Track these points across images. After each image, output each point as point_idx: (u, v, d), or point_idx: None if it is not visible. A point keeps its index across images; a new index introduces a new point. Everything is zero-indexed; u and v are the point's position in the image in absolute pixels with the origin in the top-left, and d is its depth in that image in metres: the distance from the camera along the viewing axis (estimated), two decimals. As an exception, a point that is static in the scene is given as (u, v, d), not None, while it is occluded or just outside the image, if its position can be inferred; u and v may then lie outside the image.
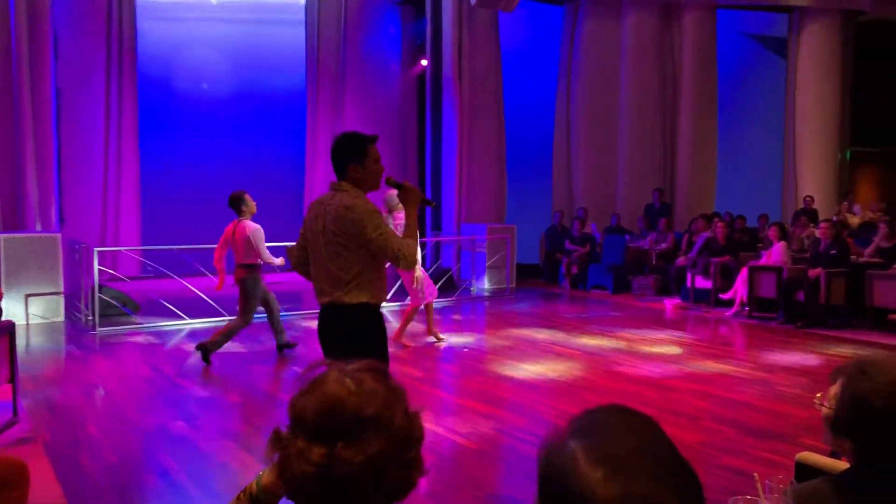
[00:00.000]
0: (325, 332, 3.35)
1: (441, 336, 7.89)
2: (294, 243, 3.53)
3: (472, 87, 12.60)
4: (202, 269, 9.29)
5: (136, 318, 8.97)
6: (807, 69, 13.77)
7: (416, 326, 8.09)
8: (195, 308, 8.92)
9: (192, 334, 8.26)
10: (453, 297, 10.96)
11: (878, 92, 15.23)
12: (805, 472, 2.07)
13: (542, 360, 7.09)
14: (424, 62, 13.26)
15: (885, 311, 8.52)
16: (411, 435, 1.17)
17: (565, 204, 13.60)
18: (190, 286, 9.12)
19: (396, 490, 1.16)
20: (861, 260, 9.56)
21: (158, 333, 8.38)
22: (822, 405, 1.71)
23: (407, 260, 3.21)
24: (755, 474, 1.57)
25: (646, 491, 0.80)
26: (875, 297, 8.69)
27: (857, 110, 14.78)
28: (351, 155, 3.28)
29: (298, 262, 3.50)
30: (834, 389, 1.69)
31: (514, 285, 12.06)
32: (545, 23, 14.31)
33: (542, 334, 8.39)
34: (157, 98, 12.25)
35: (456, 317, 9.91)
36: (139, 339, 8.15)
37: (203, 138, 12.81)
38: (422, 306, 7.59)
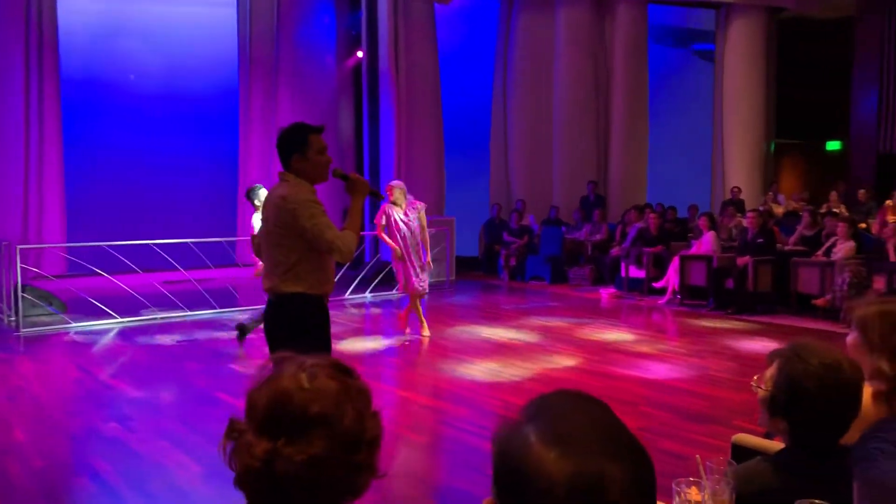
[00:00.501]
0: (267, 322, 3.40)
1: (406, 332, 7.89)
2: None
3: (409, 79, 12.53)
4: (132, 266, 9.00)
5: (63, 318, 8.63)
6: (733, 63, 14.19)
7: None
8: (125, 306, 8.63)
9: (123, 333, 7.99)
10: (393, 291, 10.91)
11: (800, 86, 15.81)
12: (741, 453, 2.13)
13: (483, 351, 7.13)
14: (360, 54, 13.13)
15: (808, 296, 8.86)
16: (361, 437, 1.13)
17: (503, 196, 13.70)
18: (120, 283, 8.82)
19: (343, 491, 1.11)
20: (786, 248, 9.92)
21: (87, 333, 8.08)
22: (758, 387, 1.76)
23: (342, 252, 3.20)
24: (697, 456, 1.60)
25: (599, 469, 0.80)
26: (799, 283, 9.05)
27: (780, 103, 15.32)
28: (293, 145, 3.27)
29: (257, 250, 3.74)
30: (770, 371, 1.74)
31: (453, 278, 12.09)
32: (482, 17, 14.36)
33: (482, 326, 8.44)
34: (82, 89, 11.78)
35: (396, 310, 9.87)
36: (66, 339, 7.85)
37: (131, 131, 12.39)
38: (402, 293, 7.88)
